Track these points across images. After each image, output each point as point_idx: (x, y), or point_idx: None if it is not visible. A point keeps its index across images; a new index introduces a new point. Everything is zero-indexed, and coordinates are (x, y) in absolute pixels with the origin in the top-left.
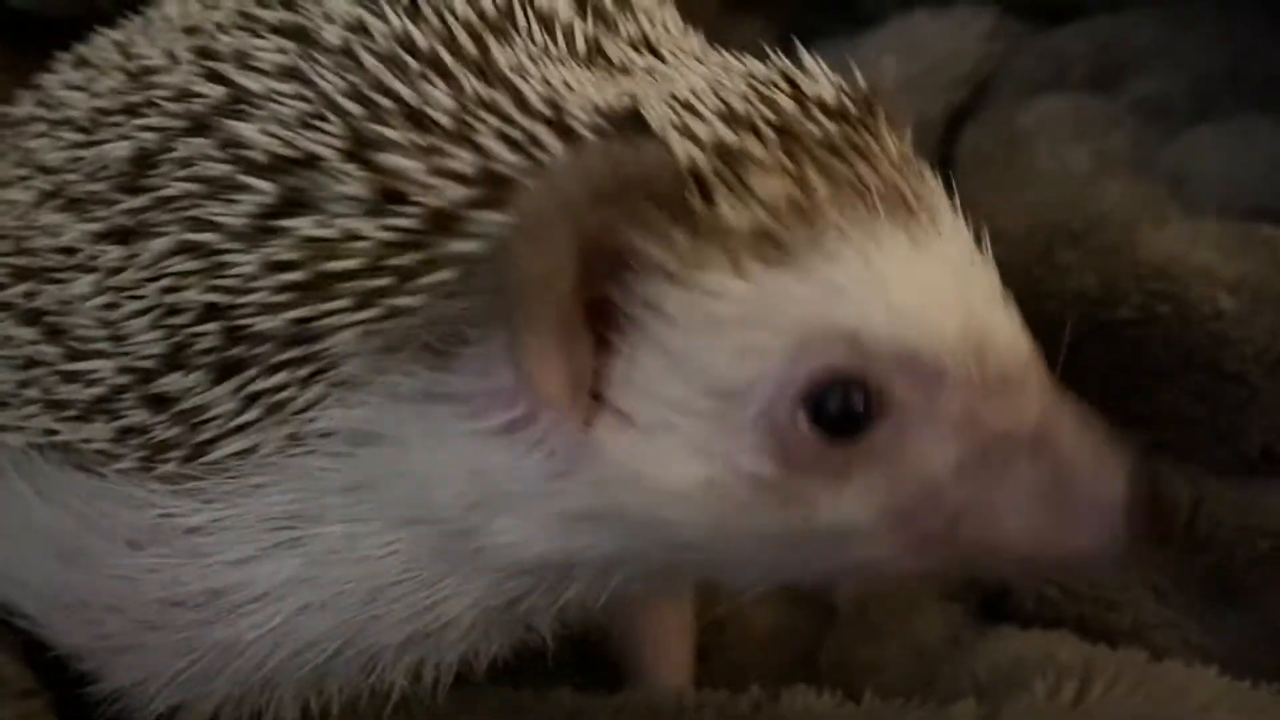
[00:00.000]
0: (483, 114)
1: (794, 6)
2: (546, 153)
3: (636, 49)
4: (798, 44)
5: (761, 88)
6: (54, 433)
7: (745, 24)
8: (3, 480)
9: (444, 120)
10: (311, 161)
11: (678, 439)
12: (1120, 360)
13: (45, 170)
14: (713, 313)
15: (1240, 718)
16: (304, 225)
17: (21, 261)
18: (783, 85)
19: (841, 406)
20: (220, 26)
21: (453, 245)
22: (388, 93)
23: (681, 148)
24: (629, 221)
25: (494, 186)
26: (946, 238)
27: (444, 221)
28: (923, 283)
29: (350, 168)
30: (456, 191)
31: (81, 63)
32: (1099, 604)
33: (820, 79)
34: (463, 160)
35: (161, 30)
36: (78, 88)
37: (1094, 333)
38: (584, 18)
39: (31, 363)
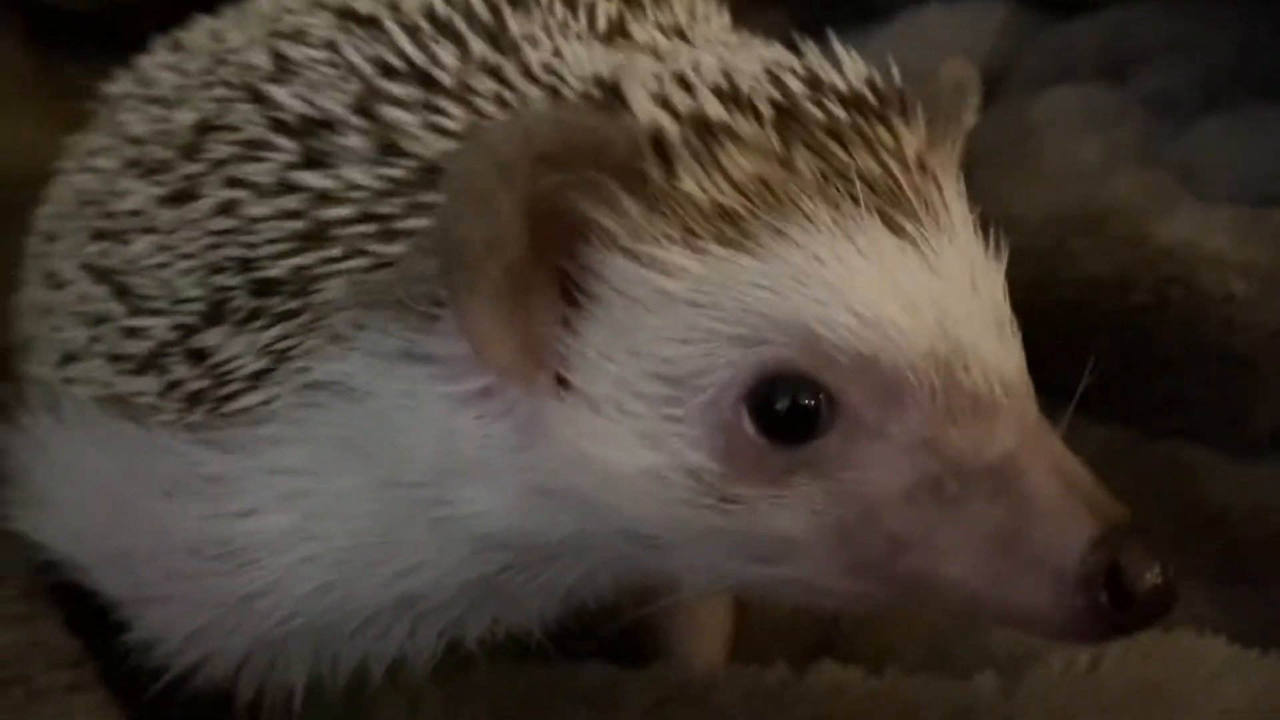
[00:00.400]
0: (485, 77)
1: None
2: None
3: (665, 33)
4: (832, 37)
5: (778, 71)
6: (112, 385)
7: (760, 17)
8: (68, 430)
9: (446, 80)
10: (328, 121)
11: (626, 422)
12: (1133, 345)
13: (131, 140)
14: (664, 290)
15: (1249, 685)
16: (314, 178)
17: (101, 224)
18: (800, 71)
19: (789, 408)
20: (290, 9)
21: (434, 198)
22: (400, 54)
23: (650, 115)
24: (578, 188)
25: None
26: (942, 242)
27: (432, 174)
28: (896, 286)
29: (356, 120)
30: (446, 146)
31: (176, 46)
32: None
33: (848, 70)
34: (456, 118)
35: (252, 20)
36: (169, 67)
37: (1107, 319)
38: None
39: (100, 319)
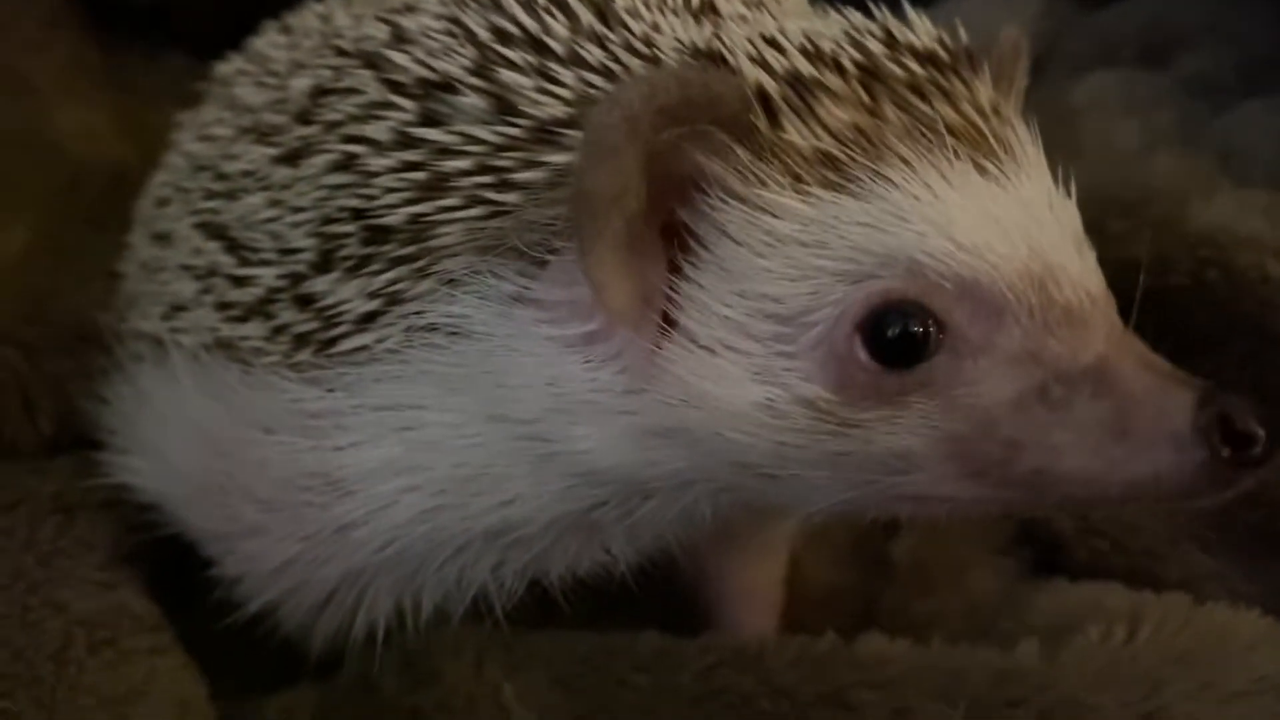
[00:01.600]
0: (592, 46)
1: None
2: None
3: (748, 6)
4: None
5: (857, 35)
6: (218, 331)
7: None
8: (172, 379)
9: (557, 48)
10: (446, 83)
11: (739, 361)
12: (1171, 326)
13: (246, 109)
14: (773, 231)
15: None
16: (433, 134)
17: (215, 185)
18: (878, 33)
19: (900, 334)
20: None
21: (549, 155)
22: (516, 23)
23: (753, 74)
24: (694, 140)
25: (589, 107)
26: (1022, 177)
27: (545, 133)
28: (989, 216)
29: (475, 81)
30: (558, 108)
31: (285, 29)
32: (1148, 555)
33: (919, 30)
34: (567, 82)
35: (359, 4)
36: (281, 46)
37: (1145, 300)
38: None
39: (210, 272)
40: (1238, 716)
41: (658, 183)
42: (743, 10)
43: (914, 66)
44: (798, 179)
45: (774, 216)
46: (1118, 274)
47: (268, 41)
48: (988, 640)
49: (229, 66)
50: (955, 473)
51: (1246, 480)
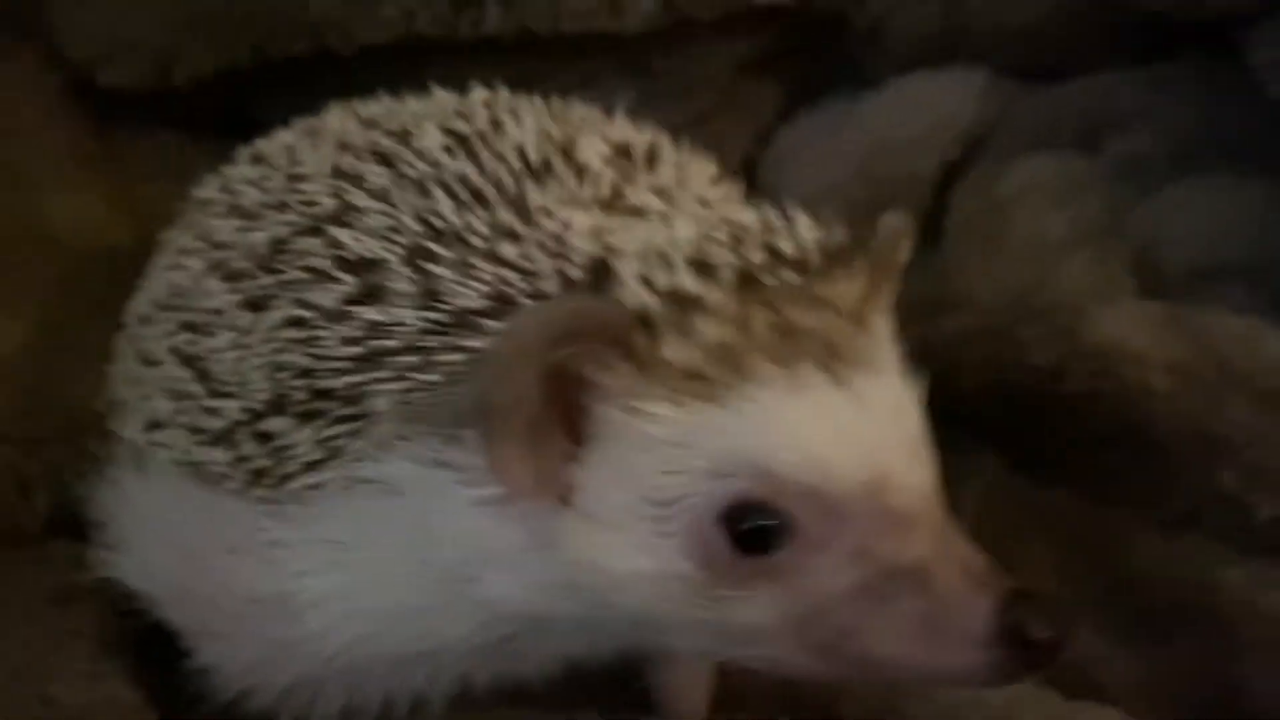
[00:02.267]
0: (508, 244)
1: (804, 70)
2: (544, 281)
3: (656, 194)
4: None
5: (744, 236)
6: (190, 453)
7: (758, 88)
8: (150, 487)
9: (478, 243)
10: (383, 264)
11: (625, 537)
12: (1072, 425)
13: (216, 245)
14: (650, 434)
15: None
16: (370, 312)
17: (188, 316)
18: (759, 237)
19: (753, 528)
20: (352, 149)
21: (467, 340)
22: (440, 216)
23: (638, 296)
24: (585, 357)
25: (502, 301)
26: (872, 386)
27: (464, 320)
28: (835, 429)
29: (406, 270)
30: (475, 300)
31: (256, 159)
32: None
33: (800, 231)
34: (485, 276)
35: (324, 141)
36: (251, 182)
37: (1051, 400)
38: (612, 168)
39: (183, 395)
40: None
41: (555, 389)
42: (650, 200)
43: (787, 275)
44: (672, 390)
45: (652, 422)
46: (1024, 376)
47: (239, 173)
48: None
49: (204, 192)
50: (797, 647)
51: (1037, 673)
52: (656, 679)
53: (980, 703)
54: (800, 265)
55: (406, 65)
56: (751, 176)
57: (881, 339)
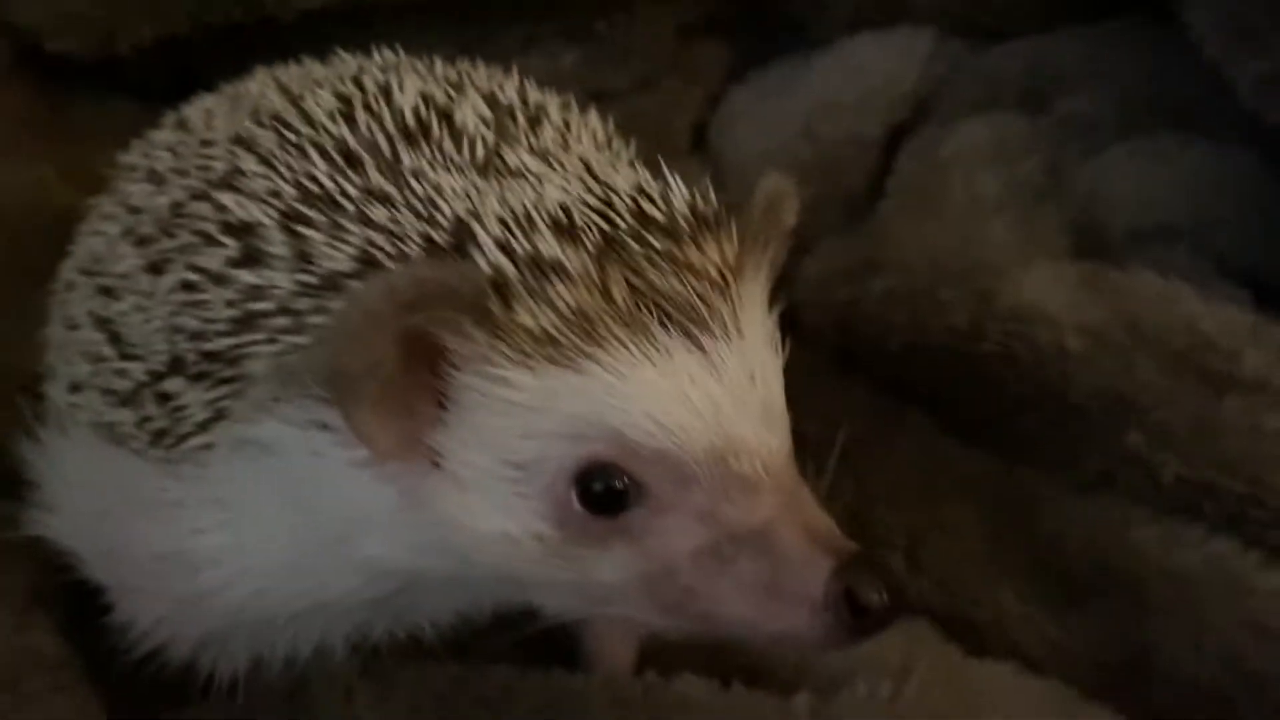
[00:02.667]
0: (377, 204)
1: (754, 32)
2: (411, 244)
3: (535, 156)
4: (662, 164)
5: (613, 200)
6: (102, 415)
7: (706, 51)
8: (72, 448)
9: (348, 205)
10: (260, 227)
11: (487, 498)
12: (988, 387)
13: (130, 210)
14: (506, 398)
15: (1021, 711)
16: (248, 275)
17: (103, 281)
18: (629, 202)
19: (604, 489)
20: (255, 114)
21: (335, 303)
22: (314, 179)
23: (494, 261)
24: (438, 323)
25: (369, 264)
26: (729, 353)
27: (333, 282)
28: (684, 395)
29: (279, 234)
30: (344, 262)
31: (179, 124)
32: (966, 598)
33: (673, 198)
34: (354, 238)
35: (241, 106)
36: (169, 147)
37: (970, 362)
38: (491, 130)
39: (98, 359)
40: None
41: (413, 354)
42: (527, 161)
43: (653, 240)
44: (526, 355)
45: (507, 386)
46: (945, 337)
47: (160, 138)
48: (806, 685)
49: (128, 157)
50: (649, 605)
51: (869, 639)
52: (580, 630)
53: (877, 658)
54: (668, 231)
55: (349, 30)
56: (702, 138)
57: (748, 304)
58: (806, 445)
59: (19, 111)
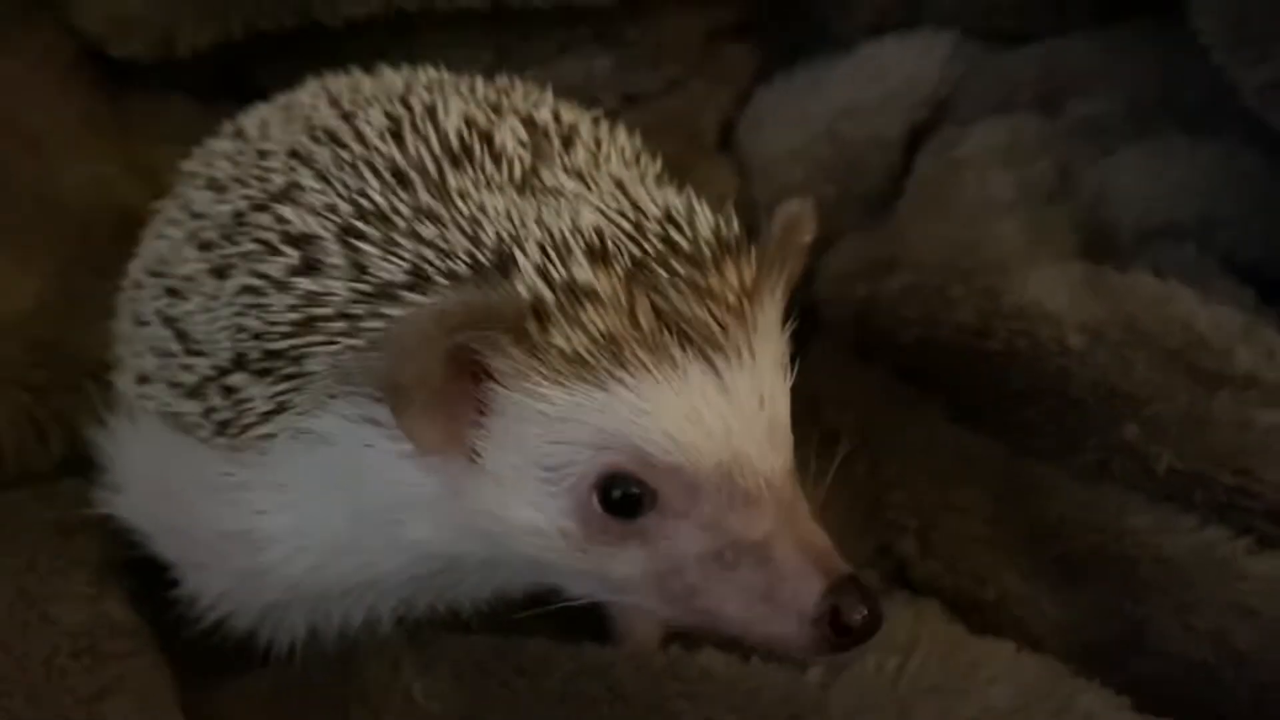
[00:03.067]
0: (427, 222)
1: (780, 35)
2: (459, 261)
3: (570, 175)
4: (692, 195)
5: (647, 224)
6: (169, 405)
7: (734, 53)
8: (140, 434)
9: (400, 222)
10: (319, 239)
11: (520, 494)
12: (995, 379)
13: (194, 216)
14: (539, 410)
15: (1015, 687)
16: (307, 282)
17: (169, 282)
18: (657, 227)
19: (622, 495)
20: (309, 128)
21: (389, 309)
22: (367, 197)
23: (533, 288)
24: (480, 342)
25: (420, 276)
26: (741, 376)
27: (387, 292)
28: (698, 415)
29: (337, 246)
30: (396, 274)
31: (236, 133)
32: (972, 578)
33: (698, 223)
34: (406, 253)
35: (294, 117)
36: (227, 156)
37: (977, 357)
38: (528, 151)
39: (165, 354)
40: None
41: (458, 368)
42: (563, 180)
43: (677, 266)
44: (559, 373)
45: (540, 399)
46: (952, 333)
47: (218, 147)
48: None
49: (189, 165)
50: (658, 597)
51: (848, 653)
52: (615, 611)
53: (886, 635)
54: (692, 258)
55: (393, 36)
56: (730, 137)
57: (761, 329)
58: (829, 434)
59: (83, 113)
